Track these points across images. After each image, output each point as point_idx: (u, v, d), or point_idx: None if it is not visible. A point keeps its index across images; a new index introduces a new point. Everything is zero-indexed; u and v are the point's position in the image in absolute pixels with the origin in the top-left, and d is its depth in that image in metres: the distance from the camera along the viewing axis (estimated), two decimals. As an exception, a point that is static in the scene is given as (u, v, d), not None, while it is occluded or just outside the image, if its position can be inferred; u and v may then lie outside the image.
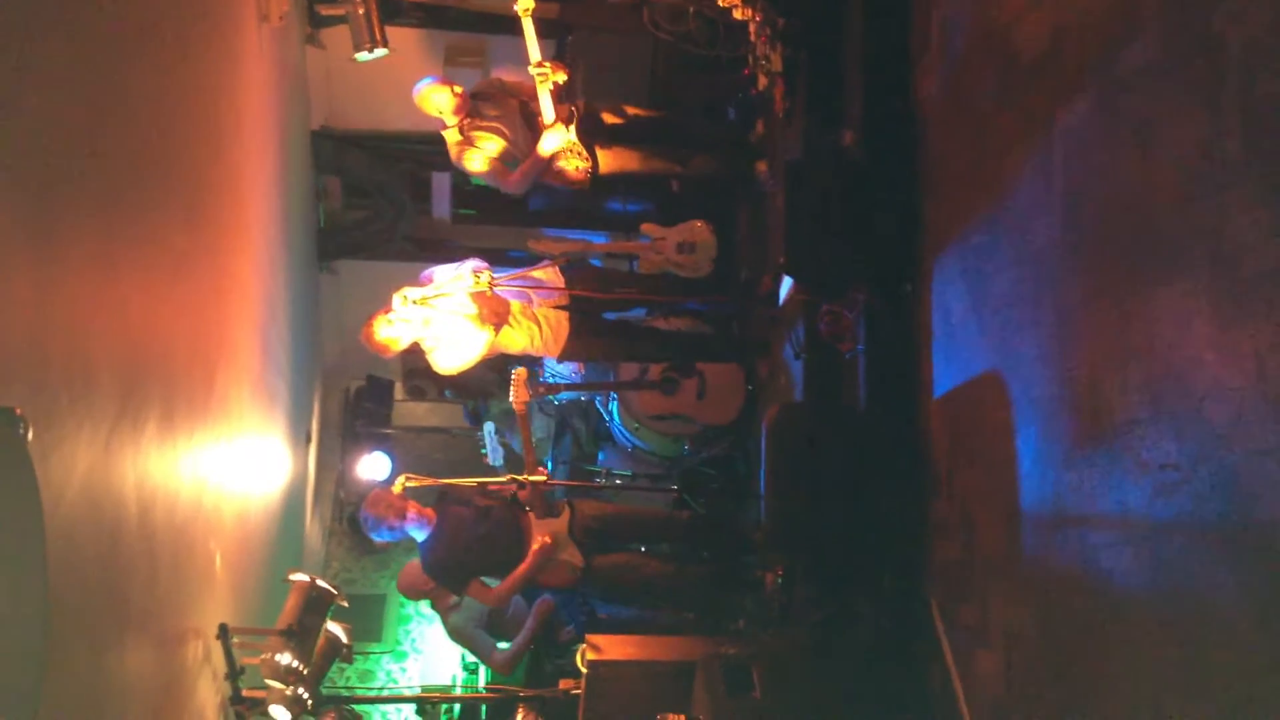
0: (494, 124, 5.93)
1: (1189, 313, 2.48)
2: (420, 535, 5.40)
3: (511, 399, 5.37)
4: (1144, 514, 2.65)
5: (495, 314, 5.49)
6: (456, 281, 5.39)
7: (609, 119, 6.15)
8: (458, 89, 5.81)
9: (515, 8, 5.50)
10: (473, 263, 5.51)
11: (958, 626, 3.86)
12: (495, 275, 5.43)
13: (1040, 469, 3.25)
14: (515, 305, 5.64)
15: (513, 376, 5.36)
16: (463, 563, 5.42)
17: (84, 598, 2.71)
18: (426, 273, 5.60)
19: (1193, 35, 2.50)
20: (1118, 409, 2.78)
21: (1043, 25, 3.30)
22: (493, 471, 7.95)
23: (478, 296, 5.38)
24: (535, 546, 5.41)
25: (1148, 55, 2.69)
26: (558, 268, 5.92)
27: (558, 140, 5.81)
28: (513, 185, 6.09)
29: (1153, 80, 2.67)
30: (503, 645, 6.05)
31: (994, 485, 3.57)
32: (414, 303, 5.25)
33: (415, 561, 5.64)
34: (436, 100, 5.80)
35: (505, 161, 5.99)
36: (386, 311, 5.31)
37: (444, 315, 5.33)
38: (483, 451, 8.08)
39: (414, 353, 5.64)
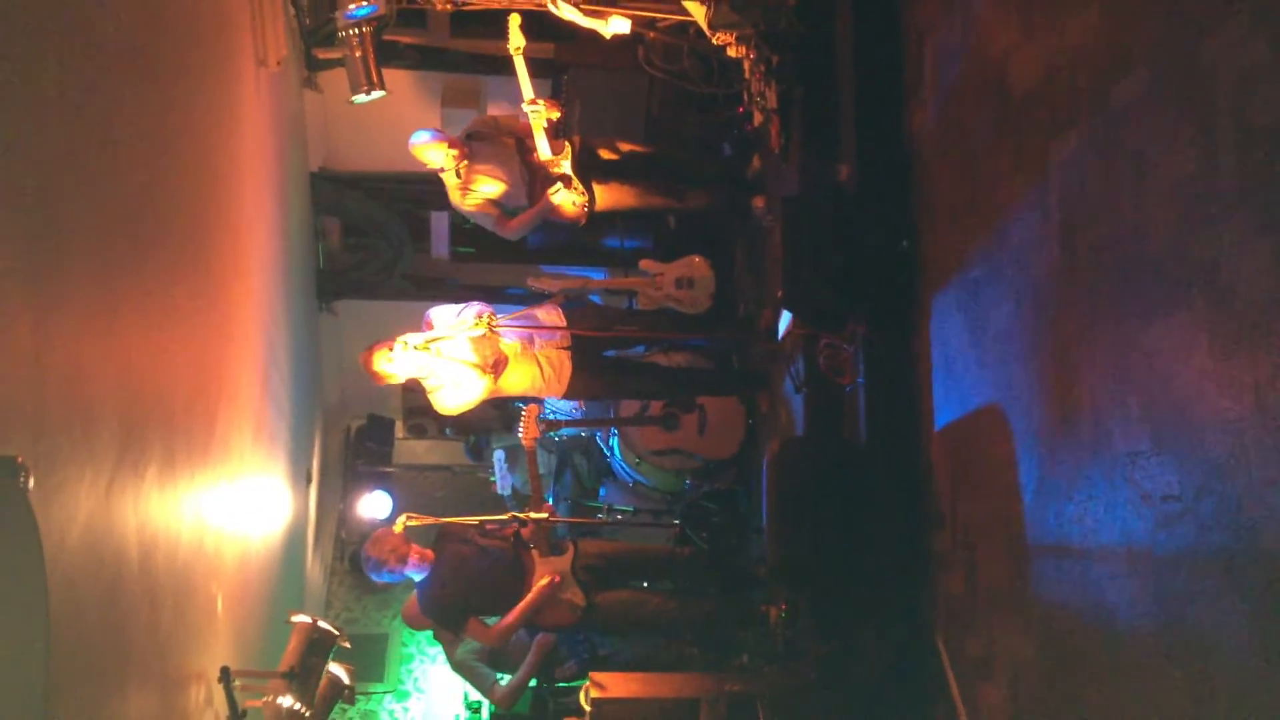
0: (491, 165, 5.98)
1: (1188, 344, 2.48)
2: (418, 576, 5.38)
3: (521, 436, 5.37)
4: (1147, 545, 2.64)
5: (496, 360, 5.48)
6: (458, 327, 5.38)
7: (605, 155, 6.19)
8: (452, 150, 5.88)
9: (508, 47, 5.55)
10: (476, 306, 5.51)
11: (962, 659, 3.85)
12: (497, 317, 5.44)
13: (1042, 501, 3.25)
14: (516, 346, 5.64)
15: (523, 413, 5.36)
16: (459, 603, 5.38)
17: (86, 643, 2.70)
18: (428, 313, 5.60)
19: (1184, 68, 2.52)
20: (1118, 441, 2.78)
21: (1035, 59, 3.32)
22: (499, 500, 7.94)
23: (479, 341, 5.37)
24: (541, 583, 5.38)
25: (1140, 88, 2.71)
26: (559, 306, 5.93)
27: (565, 198, 5.88)
28: (510, 232, 6.14)
29: (1146, 112, 2.69)
30: (504, 679, 6.02)
31: (996, 518, 3.56)
32: (415, 349, 5.24)
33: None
34: (431, 156, 5.91)
35: (503, 202, 6.03)
36: (388, 347, 5.29)
37: (444, 361, 5.33)
38: (491, 479, 8.06)
39: (415, 391, 5.63)
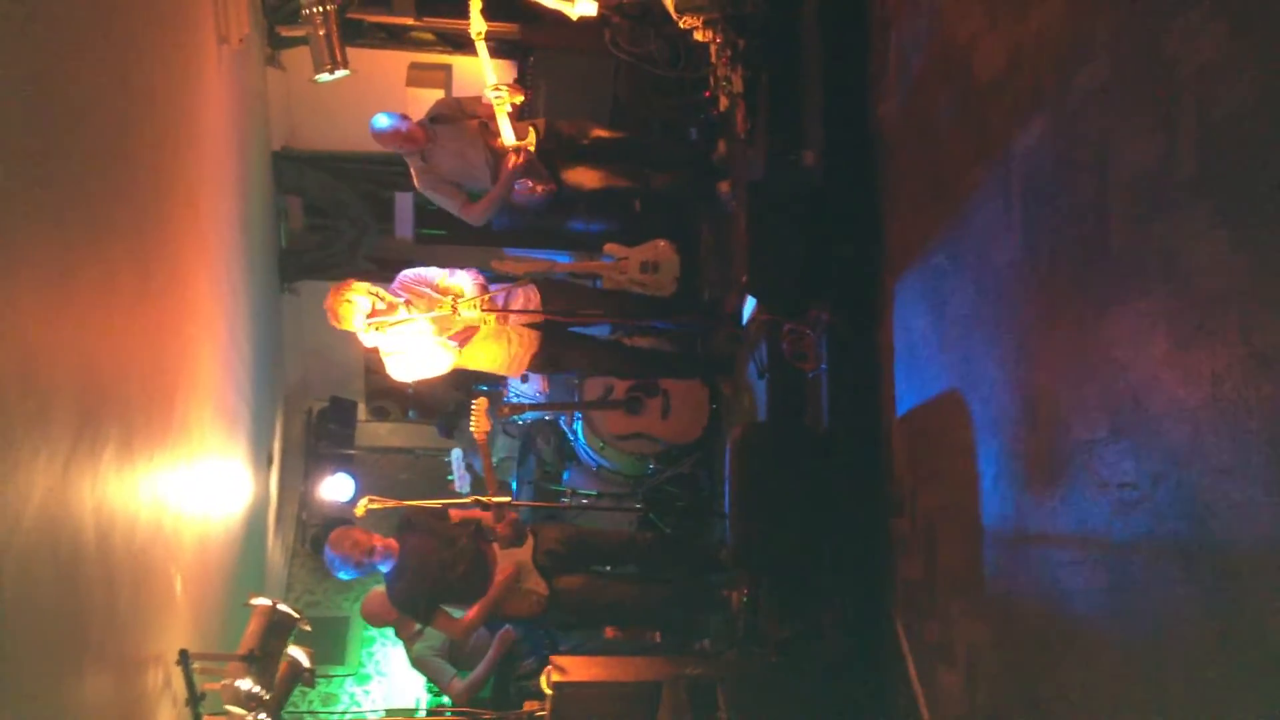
0: (455, 148, 5.95)
1: (1146, 332, 2.50)
2: (385, 568, 5.36)
3: (472, 428, 5.35)
4: (1103, 533, 2.66)
5: (462, 333, 5.47)
6: (427, 314, 5.35)
7: (571, 138, 6.17)
8: (408, 129, 5.83)
9: (470, 32, 5.52)
10: (470, 276, 5.53)
11: (921, 644, 3.88)
12: (489, 290, 5.44)
13: (1001, 487, 3.27)
14: (491, 321, 5.60)
15: (473, 406, 5.34)
16: (428, 595, 5.37)
17: (41, 626, 2.67)
18: (409, 275, 5.55)
19: (1147, 57, 2.53)
20: (1076, 428, 2.80)
21: (999, 47, 3.33)
22: (458, 497, 7.91)
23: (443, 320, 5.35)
24: (500, 576, 5.38)
25: (1103, 76, 2.72)
26: (535, 285, 5.92)
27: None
28: (474, 216, 6.11)
29: (1108, 101, 2.70)
30: (465, 674, 6.02)
31: (955, 503, 3.58)
32: (383, 327, 5.21)
33: (379, 590, 5.59)
34: (391, 144, 5.87)
35: (467, 185, 6.01)
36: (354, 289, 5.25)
37: (409, 336, 5.30)
38: (450, 479, 8.03)
39: (378, 373, 5.61)
